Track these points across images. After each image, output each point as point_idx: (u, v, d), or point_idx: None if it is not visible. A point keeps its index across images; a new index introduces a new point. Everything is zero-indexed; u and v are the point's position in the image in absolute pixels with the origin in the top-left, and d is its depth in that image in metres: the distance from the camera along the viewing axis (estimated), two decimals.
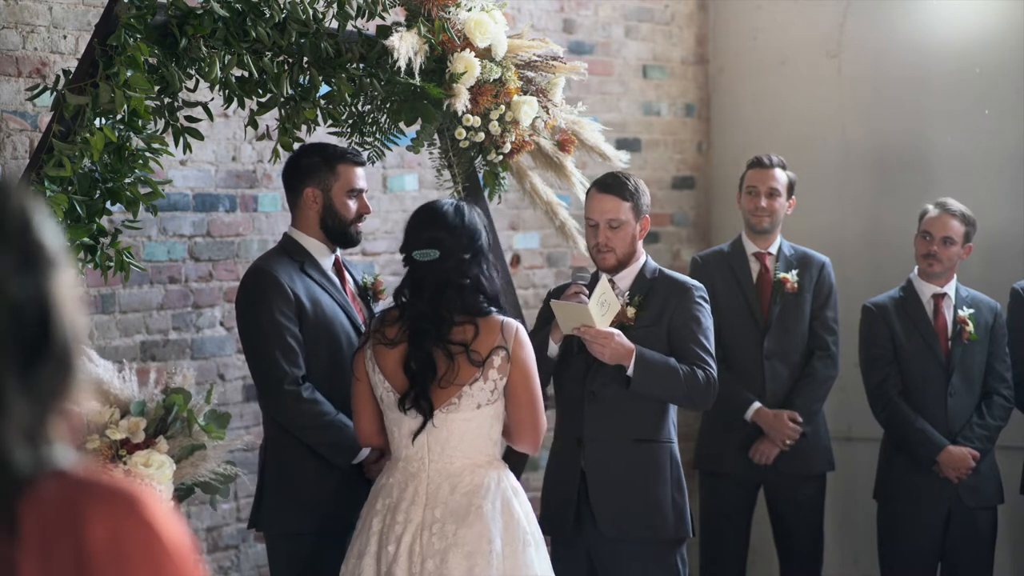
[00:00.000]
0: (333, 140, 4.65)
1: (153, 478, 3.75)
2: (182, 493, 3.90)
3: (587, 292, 4.64)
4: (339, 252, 4.69)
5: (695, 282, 4.85)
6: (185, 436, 3.90)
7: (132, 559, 1.53)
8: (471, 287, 4.14)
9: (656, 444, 4.73)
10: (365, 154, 4.61)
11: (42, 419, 1.55)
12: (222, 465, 3.95)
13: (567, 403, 4.81)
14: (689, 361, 4.68)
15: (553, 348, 4.72)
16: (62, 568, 1.52)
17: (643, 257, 4.85)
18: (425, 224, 4.20)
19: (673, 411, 4.78)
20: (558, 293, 4.87)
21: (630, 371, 4.60)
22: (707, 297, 4.84)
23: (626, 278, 4.82)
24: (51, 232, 1.57)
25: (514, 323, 4.18)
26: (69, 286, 1.57)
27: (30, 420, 1.54)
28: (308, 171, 4.57)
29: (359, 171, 4.61)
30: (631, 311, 4.73)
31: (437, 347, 4.12)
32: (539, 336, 4.73)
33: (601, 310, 4.57)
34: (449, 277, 4.12)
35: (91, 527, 1.52)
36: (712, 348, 4.75)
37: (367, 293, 4.72)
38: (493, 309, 4.16)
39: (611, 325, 4.63)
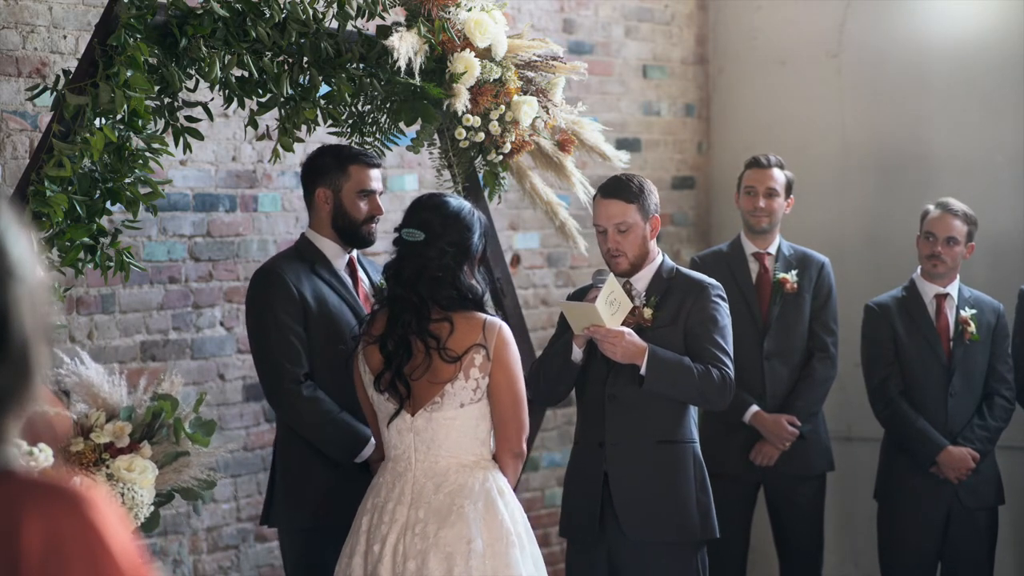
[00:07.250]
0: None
1: (135, 483, 3.73)
2: (162, 498, 3.87)
3: None
4: (355, 252, 4.69)
5: (712, 280, 4.80)
6: (171, 443, 3.88)
7: (71, 559, 1.51)
8: (444, 281, 4.13)
9: (678, 444, 4.69)
10: None
11: None
12: (205, 472, 3.93)
13: (588, 406, 4.76)
14: (705, 360, 4.63)
15: (577, 353, 4.66)
16: None
17: (659, 257, 4.80)
18: (424, 206, 4.23)
19: (694, 411, 4.75)
20: (579, 296, 4.83)
21: (643, 370, 4.57)
22: (724, 295, 4.79)
23: (643, 279, 4.77)
24: (13, 237, 1.56)
25: (497, 322, 4.16)
26: (32, 290, 1.56)
27: None
28: (321, 171, 4.58)
29: (372, 172, 4.60)
30: (648, 312, 4.70)
31: (415, 335, 4.12)
32: (562, 341, 4.71)
33: (610, 309, 4.52)
34: (426, 264, 4.13)
35: (26, 527, 1.51)
36: (729, 347, 4.70)
37: (382, 295, 4.72)
38: (470, 305, 4.14)
39: (630, 326, 4.60)
